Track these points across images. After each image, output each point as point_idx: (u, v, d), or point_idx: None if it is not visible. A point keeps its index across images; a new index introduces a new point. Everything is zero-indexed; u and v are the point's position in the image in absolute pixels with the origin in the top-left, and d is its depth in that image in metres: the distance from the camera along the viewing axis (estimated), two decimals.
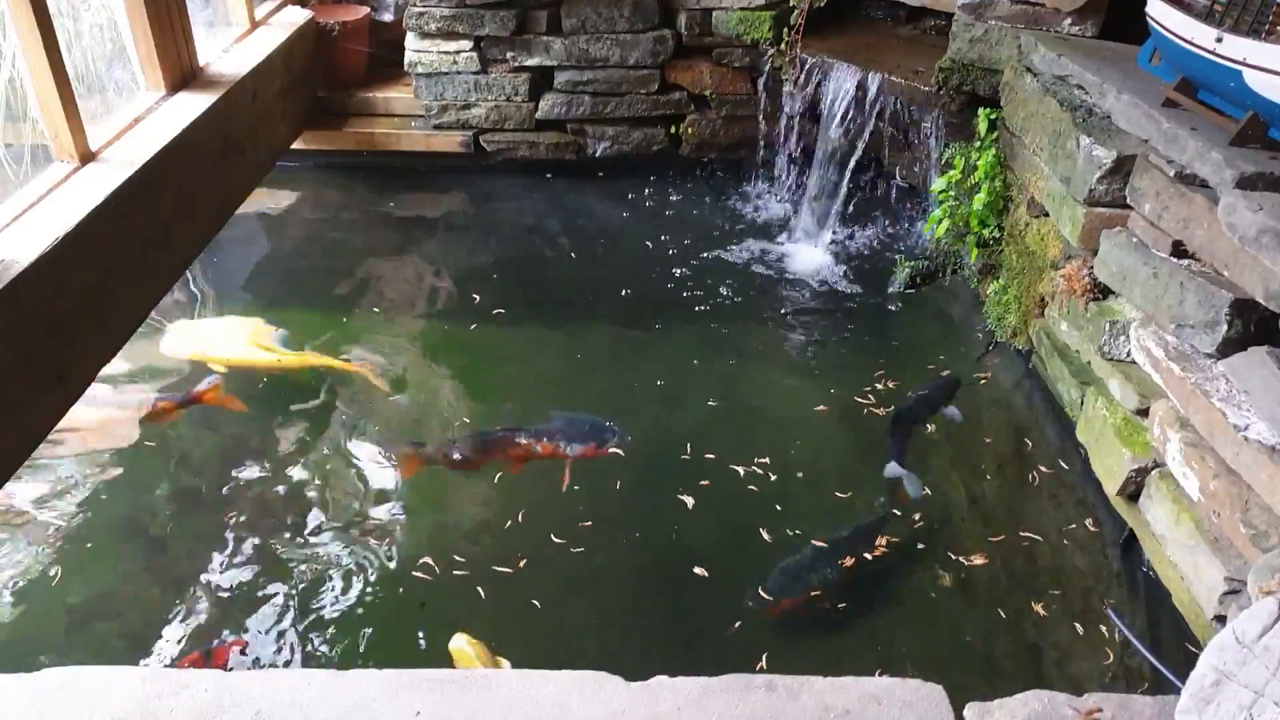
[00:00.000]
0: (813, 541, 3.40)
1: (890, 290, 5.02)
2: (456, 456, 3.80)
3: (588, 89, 5.66)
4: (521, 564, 3.31)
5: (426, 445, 3.87)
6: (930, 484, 3.80)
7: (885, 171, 5.64)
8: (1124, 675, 3.01)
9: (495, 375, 4.38)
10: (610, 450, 3.77)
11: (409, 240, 5.51)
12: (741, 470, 3.74)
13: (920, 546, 3.46)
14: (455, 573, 3.29)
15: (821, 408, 4.13)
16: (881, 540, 3.41)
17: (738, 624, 3.14)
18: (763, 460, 3.79)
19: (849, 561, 3.32)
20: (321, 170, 5.83)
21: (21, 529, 3.38)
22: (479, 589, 3.23)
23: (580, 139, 5.86)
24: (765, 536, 3.45)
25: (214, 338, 4.28)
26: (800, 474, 3.76)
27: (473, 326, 4.63)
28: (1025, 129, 4.31)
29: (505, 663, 2.93)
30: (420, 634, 3.09)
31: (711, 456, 3.81)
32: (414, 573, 3.29)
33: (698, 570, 3.32)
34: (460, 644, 2.95)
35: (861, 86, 5.09)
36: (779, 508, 3.58)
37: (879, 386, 4.30)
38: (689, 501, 3.60)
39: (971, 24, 4.73)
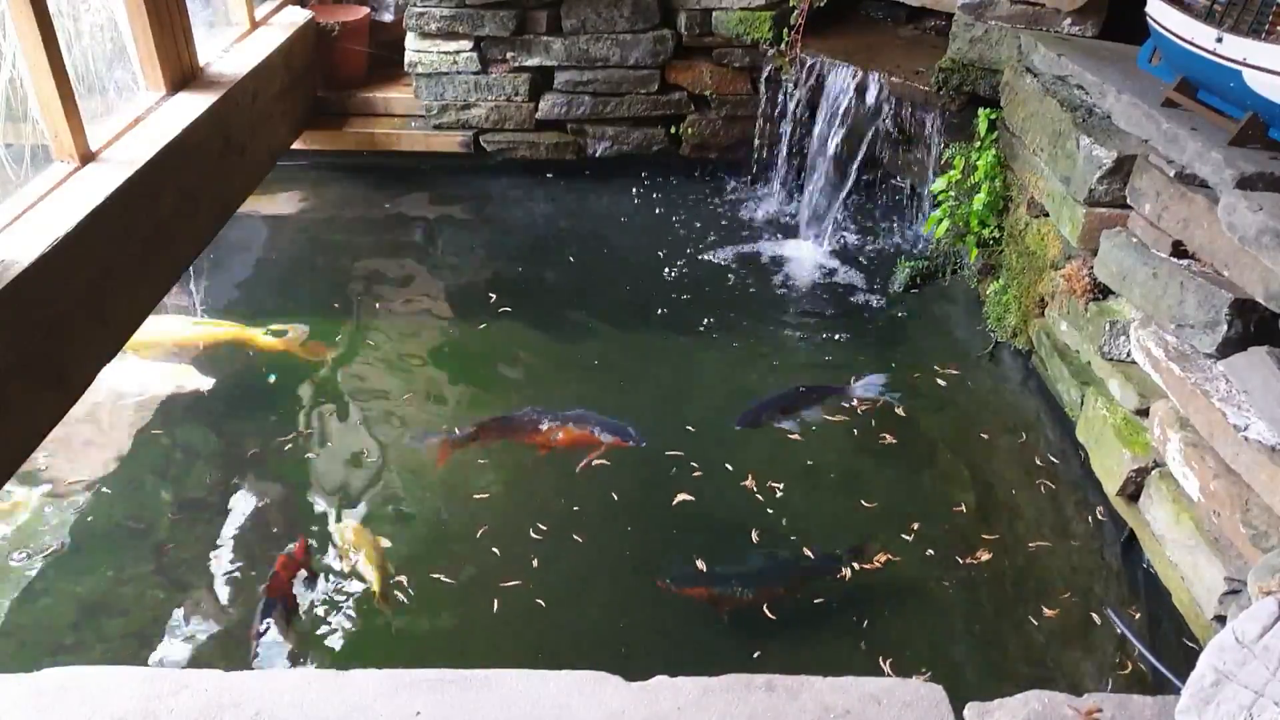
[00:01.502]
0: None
1: (890, 290, 5.02)
2: (486, 435, 3.88)
3: (588, 89, 5.66)
4: (527, 562, 3.31)
5: (455, 432, 3.89)
6: (930, 483, 3.80)
7: (885, 171, 5.64)
8: (1124, 675, 3.01)
9: (493, 375, 4.37)
10: (629, 445, 3.79)
11: (409, 240, 5.51)
12: (741, 470, 3.74)
13: (920, 546, 3.46)
14: (454, 571, 3.30)
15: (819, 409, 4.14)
16: (880, 558, 3.40)
17: (736, 622, 3.15)
18: (762, 460, 3.79)
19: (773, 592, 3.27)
20: (322, 170, 5.83)
21: (21, 528, 3.38)
22: (477, 586, 3.23)
23: (580, 139, 5.86)
24: (755, 537, 3.46)
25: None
26: (798, 475, 3.76)
27: (481, 326, 4.63)
28: (1025, 129, 4.31)
29: (385, 542, 3.32)
30: (419, 634, 3.09)
31: (710, 457, 3.81)
32: (414, 572, 3.30)
33: (700, 564, 3.33)
34: (344, 529, 3.34)
35: (861, 87, 5.09)
36: (771, 510, 3.58)
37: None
38: (688, 500, 3.60)
39: (971, 24, 4.73)
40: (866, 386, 4.05)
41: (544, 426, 3.88)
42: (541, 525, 3.46)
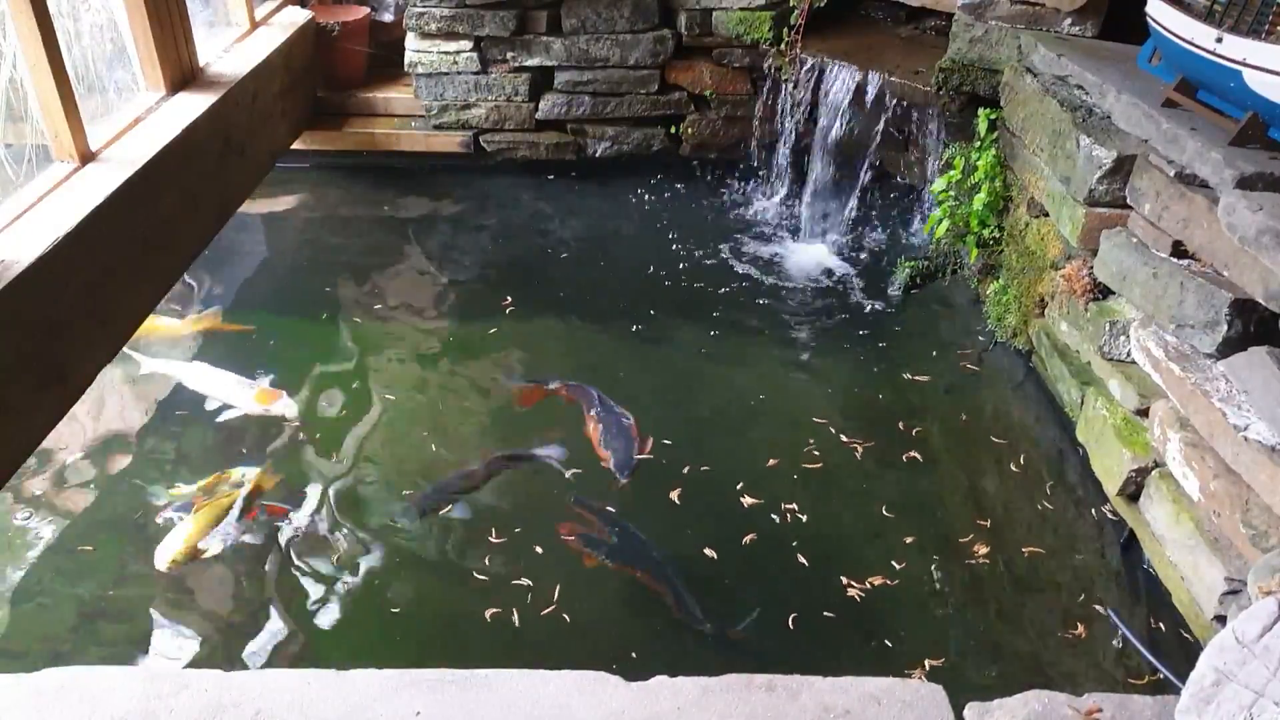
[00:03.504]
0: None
1: (890, 290, 5.02)
2: (563, 391, 4.13)
3: (588, 89, 5.66)
4: (522, 563, 3.31)
5: (548, 381, 4.16)
6: (931, 484, 3.80)
7: (885, 171, 5.65)
8: (1124, 675, 3.01)
9: (492, 373, 4.37)
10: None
11: (409, 240, 5.51)
12: (740, 470, 3.74)
13: (918, 546, 3.46)
14: (453, 570, 3.30)
15: (821, 409, 4.13)
16: (875, 580, 3.35)
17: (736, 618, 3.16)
18: (760, 462, 3.79)
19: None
20: (322, 170, 5.83)
21: (22, 528, 3.38)
22: (477, 587, 3.23)
23: (580, 139, 5.86)
24: (749, 541, 3.45)
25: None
26: (795, 472, 3.76)
27: (484, 325, 4.63)
28: (1025, 129, 4.31)
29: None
30: (418, 635, 3.09)
31: (709, 457, 3.82)
32: (414, 571, 3.30)
33: (708, 551, 3.35)
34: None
35: (861, 87, 5.09)
36: (767, 509, 3.58)
37: (878, 387, 4.32)
38: (687, 497, 3.60)
39: (971, 24, 4.73)
40: (549, 452, 3.80)
41: (590, 413, 3.95)
42: (541, 521, 3.47)
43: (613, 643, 3.06)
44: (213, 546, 3.30)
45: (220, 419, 3.91)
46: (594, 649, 3.00)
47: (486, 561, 3.32)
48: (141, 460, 3.74)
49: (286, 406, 3.97)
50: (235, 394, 4.00)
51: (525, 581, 3.24)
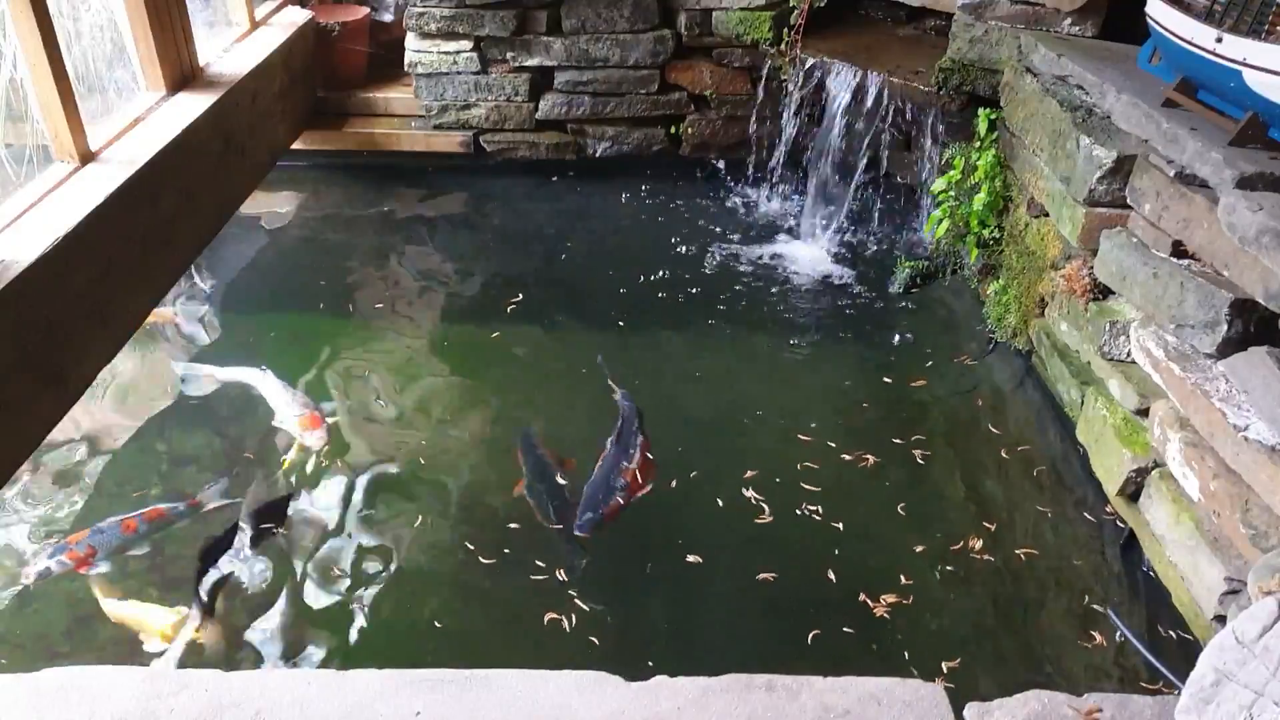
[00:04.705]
0: None
1: (890, 290, 5.02)
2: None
3: (588, 89, 5.66)
4: (508, 555, 3.32)
5: (616, 386, 4.09)
6: (932, 485, 3.80)
7: (885, 172, 5.64)
8: (1124, 675, 3.01)
9: (492, 375, 4.37)
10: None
11: (409, 241, 5.51)
12: (738, 474, 3.74)
13: (917, 546, 3.46)
14: (451, 570, 3.30)
15: (820, 410, 4.13)
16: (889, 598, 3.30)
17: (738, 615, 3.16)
18: (758, 466, 3.78)
19: None
20: (322, 170, 5.83)
21: (22, 528, 3.38)
22: (473, 586, 3.23)
23: (580, 139, 5.86)
24: (749, 546, 3.44)
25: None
26: (796, 474, 3.76)
27: (483, 325, 4.63)
28: (1025, 129, 4.31)
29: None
30: (417, 634, 3.09)
31: (708, 458, 3.82)
32: (414, 572, 3.30)
33: (690, 558, 3.34)
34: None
35: (861, 87, 5.09)
36: (766, 508, 3.58)
37: (878, 389, 4.32)
38: (684, 499, 3.60)
39: (971, 24, 4.73)
40: (210, 494, 3.50)
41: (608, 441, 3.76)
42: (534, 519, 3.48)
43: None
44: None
45: (259, 426, 3.89)
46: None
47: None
48: (145, 460, 3.74)
49: (318, 439, 3.78)
50: (284, 411, 3.92)
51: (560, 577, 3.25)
